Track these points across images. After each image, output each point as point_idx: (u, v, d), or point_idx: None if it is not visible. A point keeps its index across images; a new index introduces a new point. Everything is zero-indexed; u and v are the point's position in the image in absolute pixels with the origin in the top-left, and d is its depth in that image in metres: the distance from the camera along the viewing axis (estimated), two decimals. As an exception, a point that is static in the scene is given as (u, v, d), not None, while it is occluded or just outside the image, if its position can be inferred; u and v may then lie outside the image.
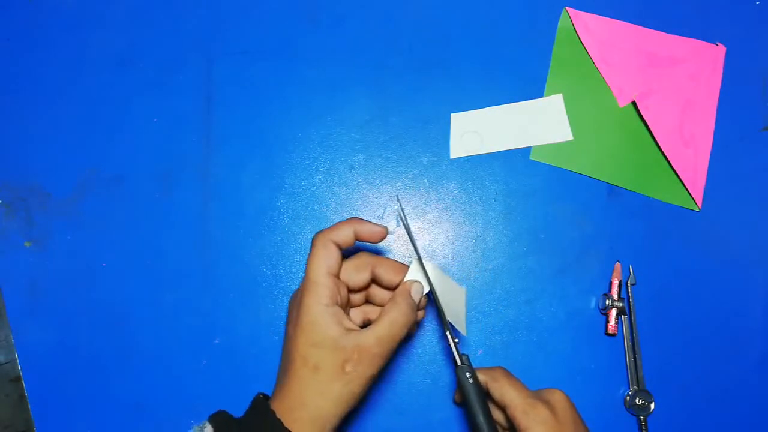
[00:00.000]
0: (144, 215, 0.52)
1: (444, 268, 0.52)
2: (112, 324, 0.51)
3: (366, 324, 0.43)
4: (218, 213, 0.52)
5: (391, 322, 0.39)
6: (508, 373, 0.44)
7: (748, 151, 0.54)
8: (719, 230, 0.53)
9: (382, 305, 0.44)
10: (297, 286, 0.51)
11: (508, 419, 0.42)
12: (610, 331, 0.50)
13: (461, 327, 0.43)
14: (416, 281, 0.42)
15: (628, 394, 0.50)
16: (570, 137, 0.54)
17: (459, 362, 0.42)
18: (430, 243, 0.53)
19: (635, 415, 0.50)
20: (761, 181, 0.54)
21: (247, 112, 0.54)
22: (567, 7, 0.55)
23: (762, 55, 0.56)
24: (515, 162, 0.54)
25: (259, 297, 0.51)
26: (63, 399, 0.50)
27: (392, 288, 0.43)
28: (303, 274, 0.51)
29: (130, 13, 0.55)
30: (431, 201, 0.53)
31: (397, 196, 0.52)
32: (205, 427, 0.38)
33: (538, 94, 0.54)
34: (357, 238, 0.41)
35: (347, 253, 0.42)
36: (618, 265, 0.52)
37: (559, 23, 0.55)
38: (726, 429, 0.51)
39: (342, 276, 0.42)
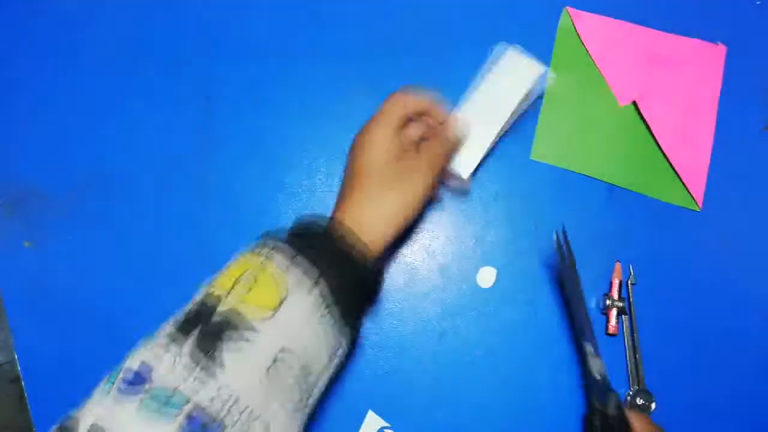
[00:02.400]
0: (144, 215, 0.52)
1: (444, 268, 0.52)
2: (112, 324, 0.51)
3: None
4: (218, 213, 0.52)
5: (439, 143, 0.44)
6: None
7: (749, 151, 0.54)
8: (720, 230, 0.53)
9: None
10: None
11: None
12: (610, 331, 0.50)
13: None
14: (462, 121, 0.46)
15: (629, 394, 0.50)
16: (542, 69, 0.49)
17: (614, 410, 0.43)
18: (430, 243, 0.53)
19: (636, 415, 0.50)
20: (761, 181, 0.54)
21: (247, 112, 0.54)
22: (567, 7, 0.55)
23: (762, 55, 0.56)
24: (515, 162, 0.53)
25: (259, 297, 0.51)
26: (62, 399, 0.50)
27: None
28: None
29: (130, 13, 0.55)
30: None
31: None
32: (267, 241, 0.37)
33: (539, 93, 0.54)
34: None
35: None
36: (618, 264, 0.51)
37: (559, 23, 0.55)
38: (726, 428, 0.51)
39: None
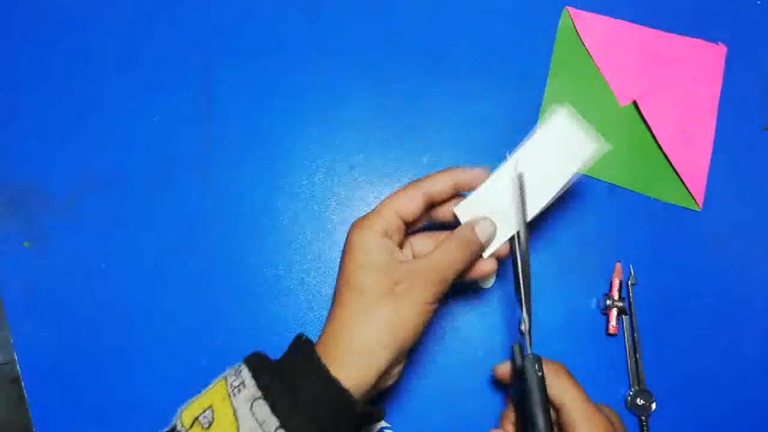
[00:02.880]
0: (144, 215, 0.52)
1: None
2: (112, 324, 0.51)
3: None
4: (218, 213, 0.52)
5: (446, 250, 0.37)
6: (569, 372, 0.41)
7: (749, 151, 0.54)
8: (720, 230, 0.53)
9: None
10: (297, 286, 0.51)
11: (558, 420, 0.39)
12: (611, 332, 0.50)
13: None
14: (487, 219, 0.40)
15: (629, 394, 0.50)
16: (605, 147, 0.42)
17: (529, 351, 0.40)
18: (431, 243, 0.53)
19: (636, 416, 0.50)
20: (762, 181, 0.54)
21: (247, 112, 0.54)
22: (567, 7, 0.55)
23: (762, 55, 0.56)
24: (515, 162, 0.53)
25: (259, 297, 0.51)
26: (62, 400, 0.50)
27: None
28: (303, 275, 0.51)
29: (130, 13, 0.55)
30: (431, 201, 0.53)
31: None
32: (241, 370, 0.35)
33: (538, 94, 0.54)
34: (457, 189, 0.39)
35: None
36: (618, 265, 0.51)
37: (559, 23, 0.55)
38: (727, 428, 0.51)
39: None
